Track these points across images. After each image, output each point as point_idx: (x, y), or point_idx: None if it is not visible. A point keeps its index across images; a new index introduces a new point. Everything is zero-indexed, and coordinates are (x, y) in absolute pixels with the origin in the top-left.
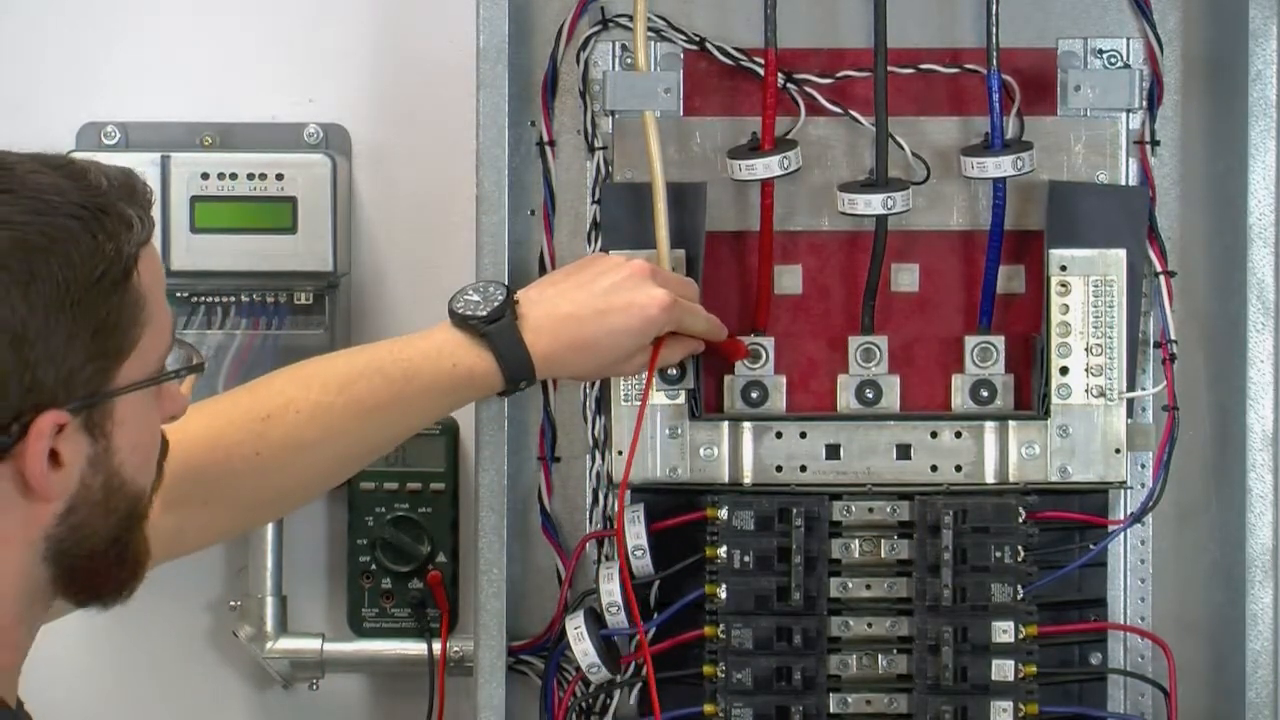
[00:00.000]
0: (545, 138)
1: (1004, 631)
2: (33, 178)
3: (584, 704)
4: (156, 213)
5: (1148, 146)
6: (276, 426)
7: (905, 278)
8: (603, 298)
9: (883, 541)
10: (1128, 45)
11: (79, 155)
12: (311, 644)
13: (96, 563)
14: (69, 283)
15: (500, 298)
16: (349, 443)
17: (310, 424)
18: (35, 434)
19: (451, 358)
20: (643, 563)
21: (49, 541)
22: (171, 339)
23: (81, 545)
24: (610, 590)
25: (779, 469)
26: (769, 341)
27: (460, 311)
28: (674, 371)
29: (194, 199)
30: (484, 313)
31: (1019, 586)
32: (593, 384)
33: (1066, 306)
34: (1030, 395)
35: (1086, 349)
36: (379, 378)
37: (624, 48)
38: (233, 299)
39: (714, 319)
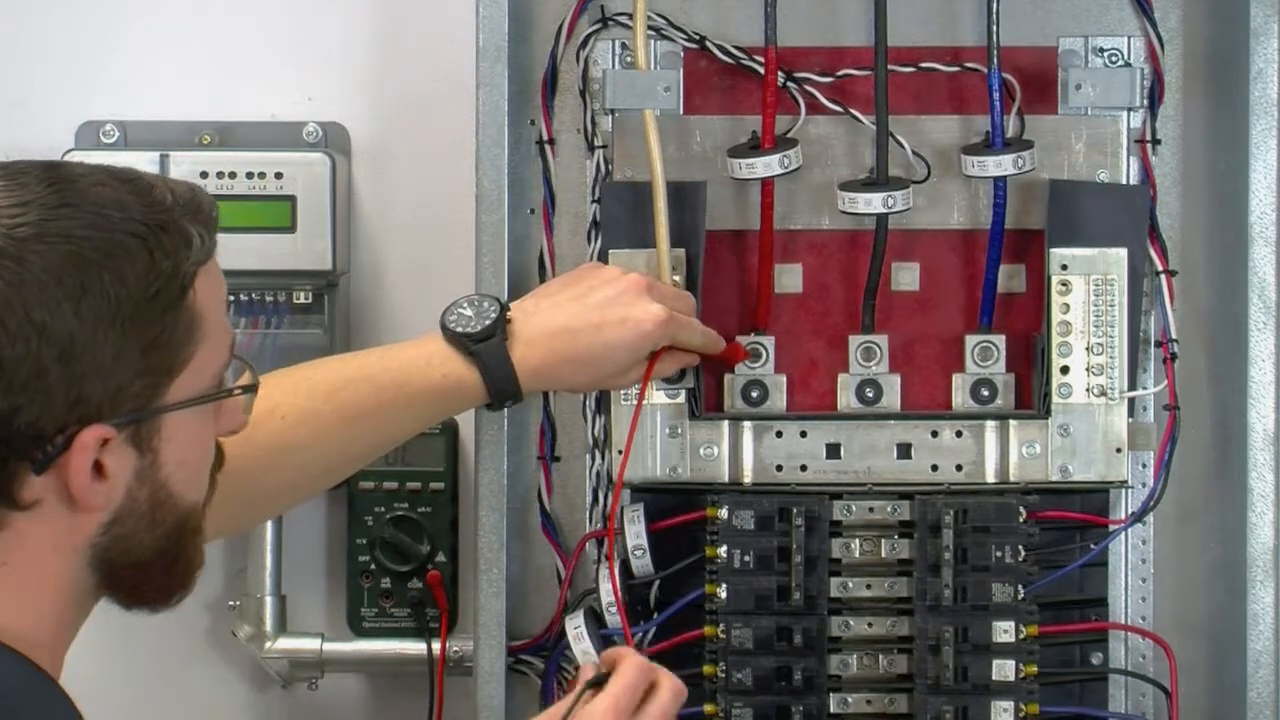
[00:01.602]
0: (545, 136)
1: (1005, 631)
2: (96, 191)
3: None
4: None
5: (1149, 145)
6: (261, 431)
7: (906, 277)
8: (598, 311)
9: (883, 541)
10: (1129, 44)
11: (84, 157)
12: (311, 644)
13: (143, 572)
14: (121, 299)
15: (493, 314)
16: (335, 449)
17: (296, 429)
18: (79, 447)
19: (441, 368)
20: (643, 562)
21: (94, 550)
22: (229, 355)
23: (128, 555)
24: (609, 590)
25: (779, 468)
26: (769, 340)
27: (452, 327)
28: (673, 372)
29: None
30: (474, 329)
31: (1020, 586)
32: None
33: (1067, 305)
34: (1031, 394)
35: (1087, 348)
36: (367, 385)
37: (624, 46)
38: (231, 298)
39: (710, 332)
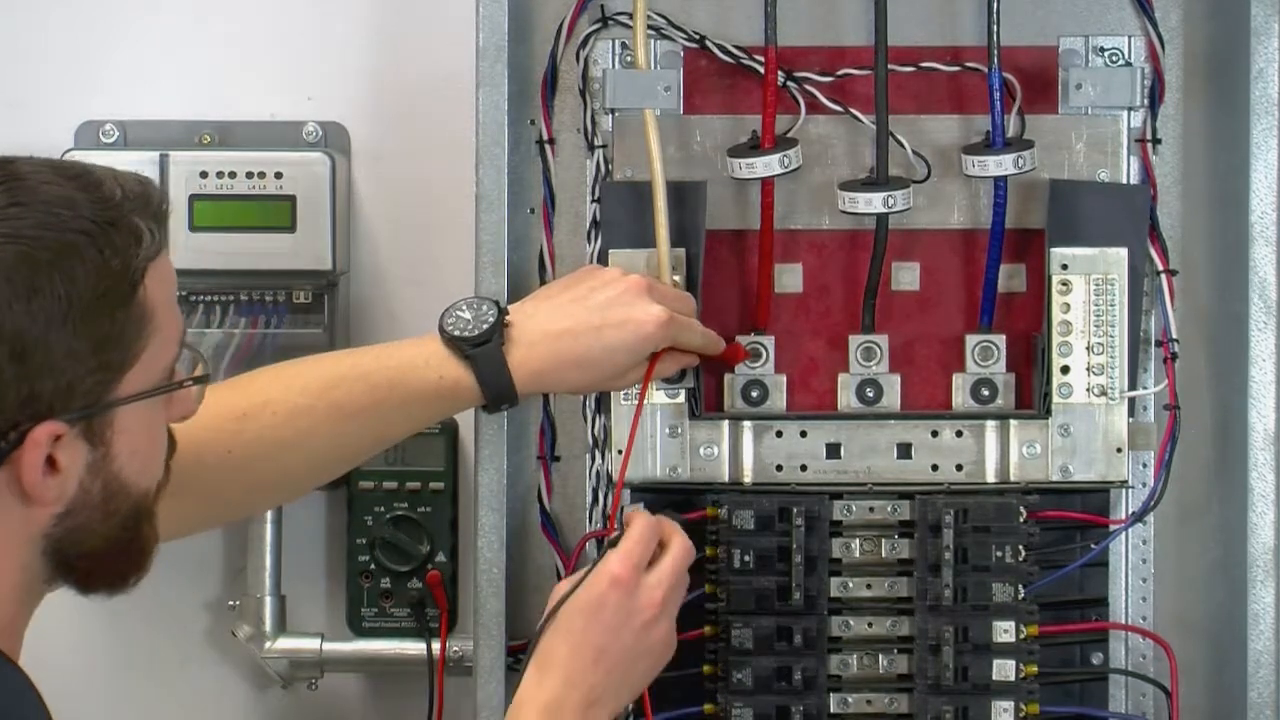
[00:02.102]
0: (545, 136)
1: (1005, 631)
2: (45, 189)
3: None
4: None
5: (1149, 145)
6: (251, 426)
7: (906, 276)
8: (598, 313)
9: (883, 541)
10: (1129, 43)
11: (83, 157)
12: (310, 644)
13: (96, 560)
14: (71, 298)
15: (491, 318)
16: (327, 446)
17: (287, 425)
18: (31, 443)
19: (439, 369)
20: None
21: (48, 540)
22: (179, 347)
23: (80, 544)
24: None
25: (779, 468)
26: (769, 340)
27: (449, 331)
28: (673, 373)
29: (192, 197)
30: (471, 333)
31: (1020, 586)
32: None
33: (1068, 305)
34: (1031, 394)
35: (1088, 348)
36: (362, 384)
37: (624, 46)
38: (231, 298)
39: (710, 333)
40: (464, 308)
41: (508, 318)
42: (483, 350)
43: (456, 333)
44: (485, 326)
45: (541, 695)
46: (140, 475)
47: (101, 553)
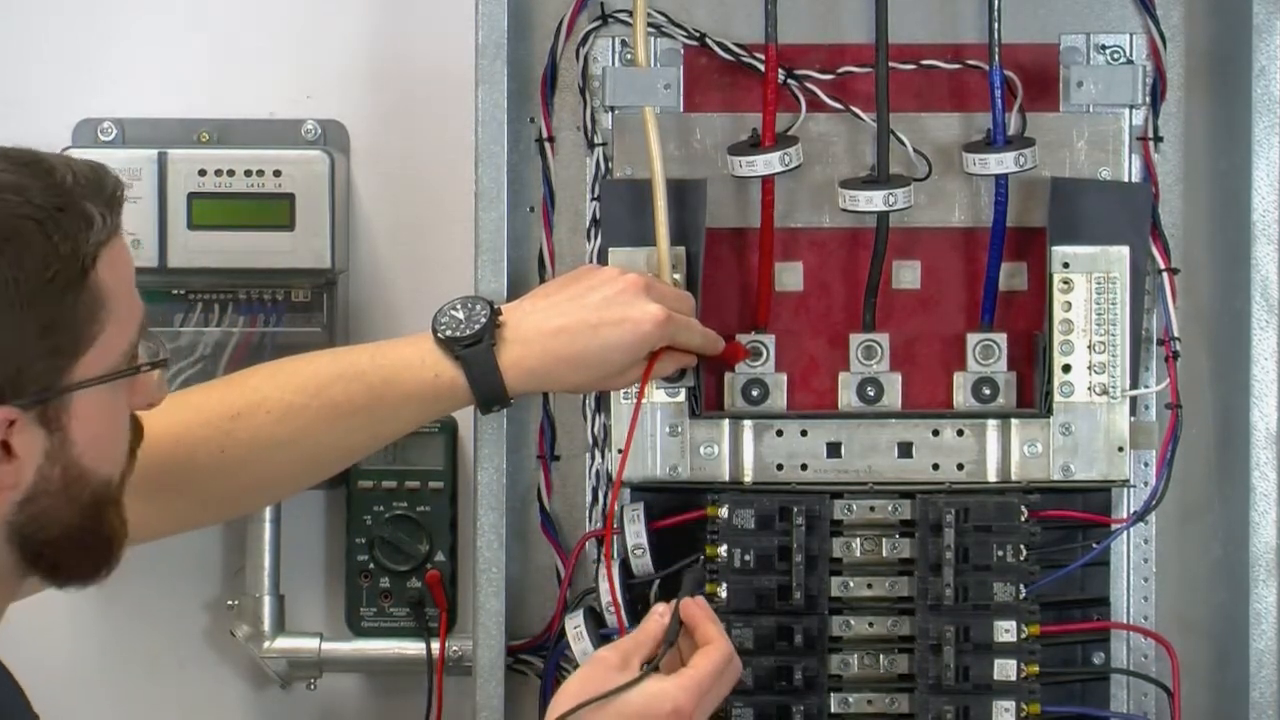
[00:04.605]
0: (544, 134)
1: (1006, 631)
2: None
3: None
4: (153, 210)
5: (1151, 143)
6: (245, 425)
7: (907, 275)
8: (595, 311)
9: (884, 540)
10: (1131, 41)
11: (82, 154)
12: (309, 643)
13: (63, 547)
14: (18, 281)
15: (483, 318)
16: (321, 445)
17: (280, 424)
18: None
19: (434, 368)
20: (642, 562)
21: (11, 527)
22: (138, 333)
23: (45, 531)
24: (608, 590)
25: (780, 467)
26: (770, 339)
27: (441, 332)
28: (672, 372)
29: (191, 196)
30: (463, 333)
31: (1021, 585)
32: None
33: (1069, 304)
34: (1033, 393)
35: (1089, 346)
36: (357, 382)
37: (624, 43)
38: (230, 296)
39: (710, 333)
40: (457, 307)
41: (501, 317)
42: (473, 351)
43: (448, 333)
44: (477, 326)
45: None
46: (101, 462)
47: (65, 541)
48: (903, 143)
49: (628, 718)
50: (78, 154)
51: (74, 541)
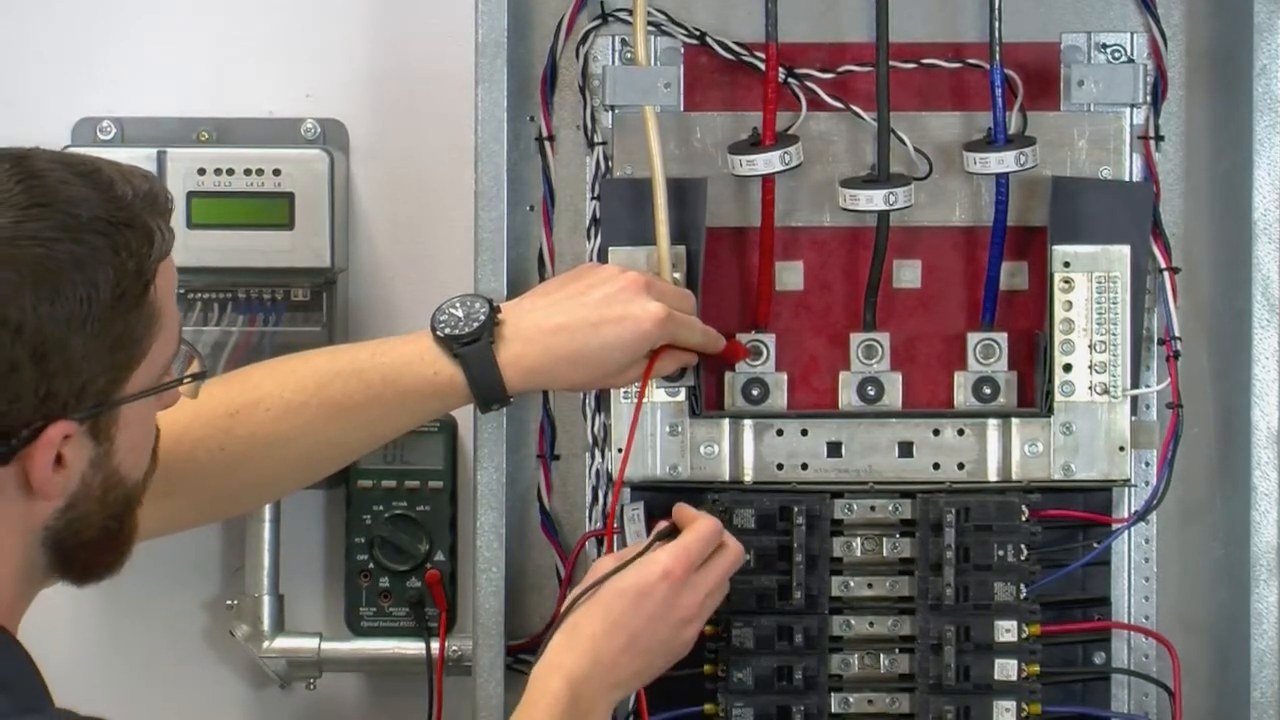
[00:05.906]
0: (544, 133)
1: (1007, 631)
2: (63, 189)
3: None
4: None
5: (1152, 142)
6: (244, 423)
7: (907, 274)
8: (596, 310)
9: (884, 540)
10: (1132, 40)
11: (92, 154)
12: (309, 643)
13: (90, 548)
14: (92, 300)
15: (482, 316)
16: (320, 443)
17: (280, 422)
18: (44, 442)
19: (433, 366)
20: None
21: (48, 532)
22: (178, 343)
23: (79, 535)
24: None
25: (780, 467)
26: (770, 338)
27: (440, 330)
28: (673, 371)
29: (190, 194)
30: (462, 331)
31: (1022, 585)
32: None
33: (1070, 303)
34: (1033, 392)
35: (1090, 346)
36: (356, 380)
37: (624, 42)
38: (229, 295)
39: (710, 331)
40: (456, 305)
41: (500, 315)
42: (472, 349)
43: (447, 331)
44: (476, 324)
45: (568, 666)
46: (134, 468)
47: (97, 541)
48: (903, 142)
49: (621, 591)
50: (77, 154)
51: (102, 544)
